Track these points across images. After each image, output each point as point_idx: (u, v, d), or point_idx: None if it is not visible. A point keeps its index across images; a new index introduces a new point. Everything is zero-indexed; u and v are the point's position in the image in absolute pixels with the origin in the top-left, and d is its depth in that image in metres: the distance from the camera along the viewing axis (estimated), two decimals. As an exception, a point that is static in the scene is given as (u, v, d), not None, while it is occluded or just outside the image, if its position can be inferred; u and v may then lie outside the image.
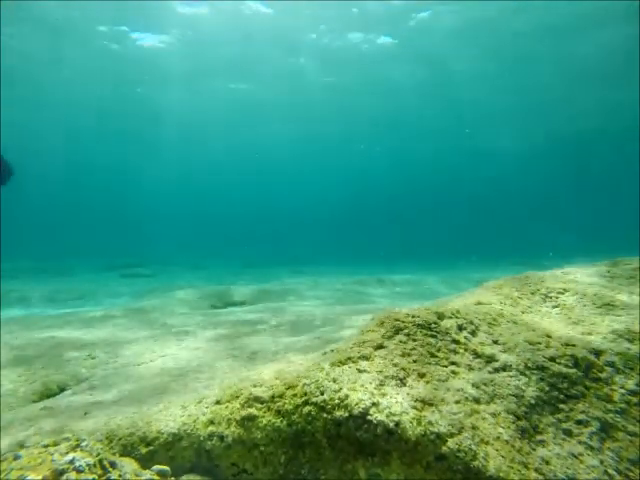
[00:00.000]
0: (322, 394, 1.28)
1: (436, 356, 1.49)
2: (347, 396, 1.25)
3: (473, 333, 1.67)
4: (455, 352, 1.54)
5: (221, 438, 1.35)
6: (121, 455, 1.38)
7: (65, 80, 18.28)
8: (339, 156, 34.35)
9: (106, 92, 19.80)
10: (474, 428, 1.18)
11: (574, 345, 1.54)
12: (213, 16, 14.61)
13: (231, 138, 29.08)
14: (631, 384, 1.39)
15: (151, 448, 1.40)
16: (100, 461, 1.26)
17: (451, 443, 1.13)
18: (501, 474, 1.09)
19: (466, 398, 1.30)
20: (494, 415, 1.26)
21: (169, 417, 1.50)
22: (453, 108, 23.14)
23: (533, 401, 1.34)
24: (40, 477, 1.16)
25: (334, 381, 1.33)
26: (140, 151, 31.77)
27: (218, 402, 1.47)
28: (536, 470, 1.13)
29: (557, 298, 2.05)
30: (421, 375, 1.39)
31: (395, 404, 1.23)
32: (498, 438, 1.19)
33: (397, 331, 1.60)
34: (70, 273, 11.90)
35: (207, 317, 4.22)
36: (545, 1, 12.91)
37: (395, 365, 1.41)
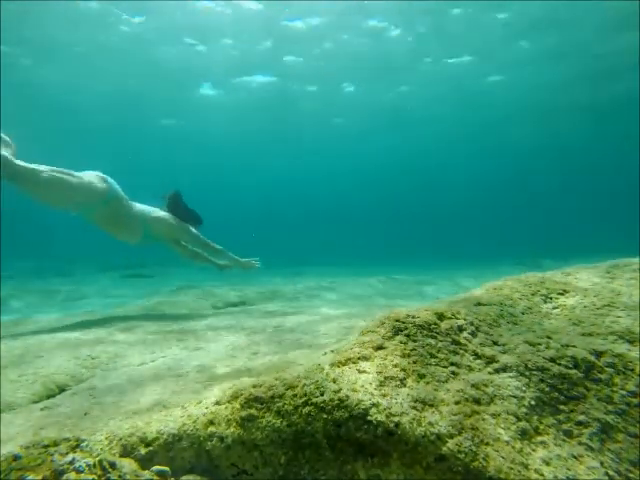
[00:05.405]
0: (322, 395, 1.28)
1: (436, 357, 1.49)
2: (347, 397, 1.25)
3: (473, 334, 1.67)
4: (455, 353, 1.54)
5: (221, 439, 1.34)
6: (121, 455, 1.38)
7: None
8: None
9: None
10: (474, 429, 1.18)
11: (574, 346, 1.54)
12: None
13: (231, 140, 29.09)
14: (631, 385, 1.39)
15: (151, 448, 1.39)
16: (100, 461, 1.26)
17: (451, 444, 1.13)
18: (501, 475, 1.09)
19: (466, 399, 1.30)
20: (494, 416, 1.26)
21: (169, 417, 1.49)
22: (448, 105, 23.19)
23: (533, 402, 1.33)
24: (40, 477, 1.16)
25: (334, 382, 1.33)
26: (138, 148, 31.76)
27: (218, 402, 1.47)
28: (536, 471, 1.13)
29: (557, 299, 2.05)
30: (421, 376, 1.39)
31: (395, 405, 1.22)
32: (498, 439, 1.18)
33: (397, 332, 1.60)
34: (70, 273, 11.89)
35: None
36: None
37: (395, 366, 1.40)
